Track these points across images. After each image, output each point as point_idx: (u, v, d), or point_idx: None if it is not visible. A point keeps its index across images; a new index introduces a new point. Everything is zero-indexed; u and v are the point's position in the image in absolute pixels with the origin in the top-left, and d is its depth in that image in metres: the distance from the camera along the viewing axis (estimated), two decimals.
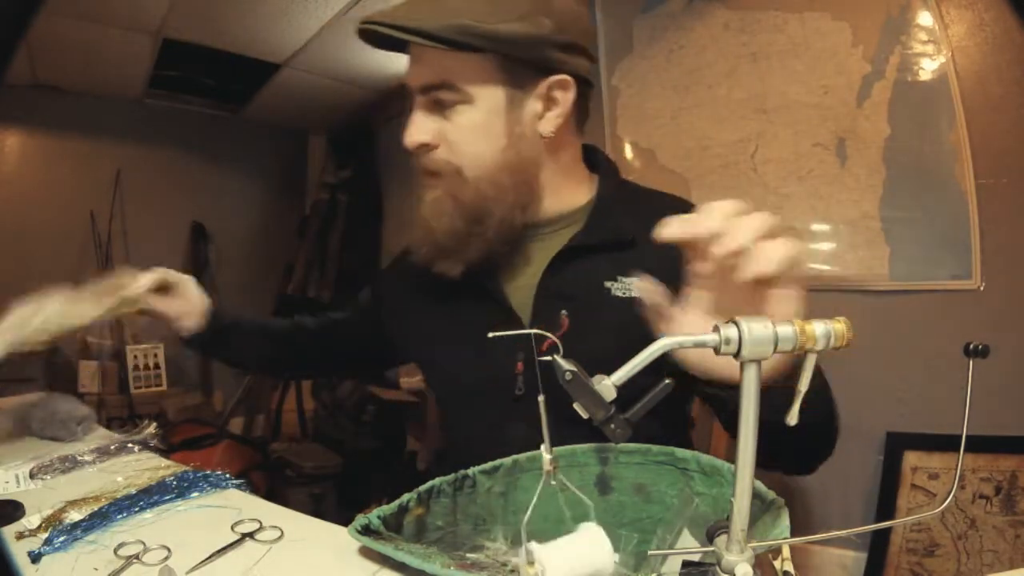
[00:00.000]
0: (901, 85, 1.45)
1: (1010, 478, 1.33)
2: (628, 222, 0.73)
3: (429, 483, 0.63)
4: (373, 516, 0.57)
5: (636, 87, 1.91)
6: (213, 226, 3.47)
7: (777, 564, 0.47)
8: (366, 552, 0.56)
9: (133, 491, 0.71)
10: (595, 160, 0.81)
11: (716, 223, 0.45)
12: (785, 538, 0.45)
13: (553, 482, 0.49)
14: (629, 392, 0.45)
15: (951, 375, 1.32)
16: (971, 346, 0.44)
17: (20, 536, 0.62)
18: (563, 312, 0.72)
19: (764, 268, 0.44)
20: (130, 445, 0.91)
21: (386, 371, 0.94)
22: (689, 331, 0.47)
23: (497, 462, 0.66)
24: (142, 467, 0.83)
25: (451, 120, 0.69)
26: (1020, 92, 1.32)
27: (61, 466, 0.83)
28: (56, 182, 3.04)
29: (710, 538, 0.44)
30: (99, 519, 0.64)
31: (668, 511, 0.59)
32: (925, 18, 1.42)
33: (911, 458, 1.43)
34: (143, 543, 0.59)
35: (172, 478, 0.75)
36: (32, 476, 0.80)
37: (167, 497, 0.71)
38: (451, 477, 0.64)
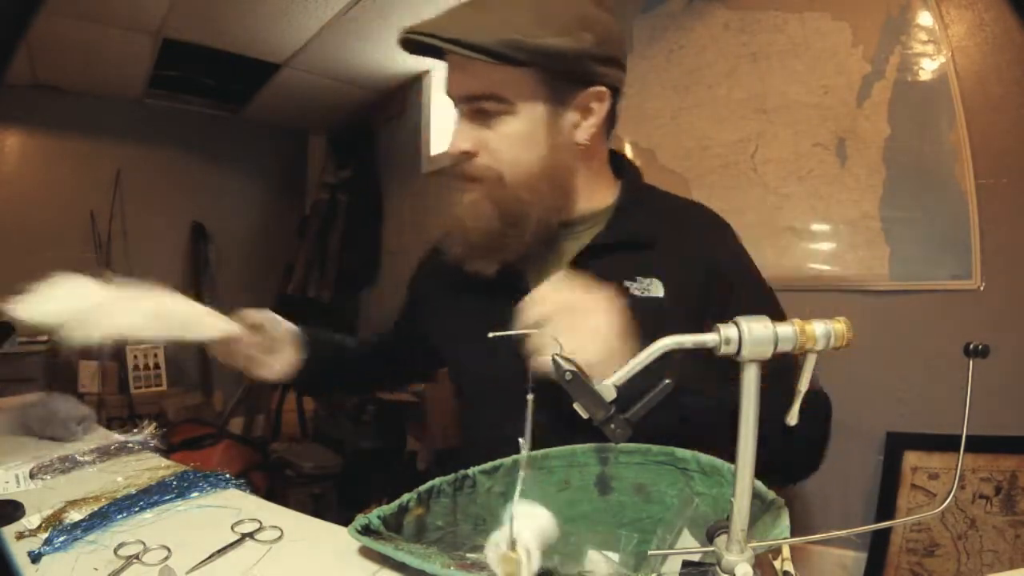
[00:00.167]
0: (901, 85, 1.45)
1: (1010, 478, 1.33)
2: (648, 224, 0.77)
3: (429, 483, 0.63)
4: (373, 516, 0.57)
5: (636, 87, 1.91)
6: (213, 226, 3.47)
7: (777, 564, 0.47)
8: (366, 552, 0.56)
9: (133, 491, 0.71)
10: (620, 165, 0.84)
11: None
12: (785, 538, 0.45)
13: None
14: (629, 392, 0.45)
15: (951, 375, 1.31)
16: (971, 346, 0.44)
17: (20, 536, 0.62)
18: None
19: None
20: (130, 445, 0.91)
21: (436, 372, 0.96)
22: None
23: (497, 462, 0.66)
24: (142, 467, 0.83)
25: (494, 129, 0.71)
26: (1020, 92, 1.32)
27: (61, 466, 0.83)
28: (56, 182, 3.04)
29: (710, 538, 0.44)
30: (99, 519, 0.64)
31: (668, 511, 0.59)
32: (925, 18, 1.42)
33: (911, 458, 1.43)
34: (143, 543, 0.59)
35: (172, 478, 0.75)
36: (32, 476, 0.80)
37: (167, 497, 0.71)
38: (451, 477, 0.64)
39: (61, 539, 0.59)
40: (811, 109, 1.58)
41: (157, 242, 3.33)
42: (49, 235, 2.99)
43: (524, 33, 0.65)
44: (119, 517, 0.65)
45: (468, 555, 0.54)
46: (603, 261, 0.76)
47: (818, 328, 0.41)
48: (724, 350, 0.40)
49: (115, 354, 3.02)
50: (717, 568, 0.42)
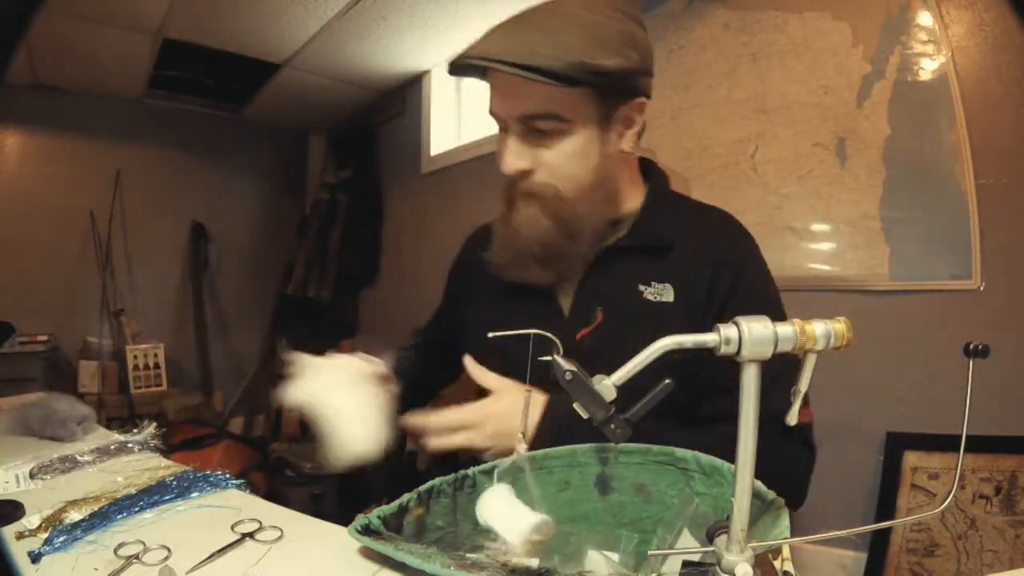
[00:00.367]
0: (901, 85, 1.45)
1: (1010, 478, 1.33)
2: (667, 229, 0.79)
3: (429, 483, 0.63)
4: (373, 516, 0.57)
5: None
6: (213, 226, 3.47)
7: (777, 564, 0.47)
8: (366, 552, 0.56)
9: (133, 491, 0.71)
10: (648, 170, 0.87)
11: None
12: (785, 538, 0.45)
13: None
14: (630, 392, 0.45)
15: (951, 375, 1.31)
16: (971, 346, 0.44)
17: (20, 536, 0.62)
18: (598, 308, 0.78)
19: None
20: (130, 445, 0.91)
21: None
22: None
23: (497, 462, 0.66)
24: (142, 467, 0.83)
25: (551, 147, 0.73)
26: (1020, 92, 1.32)
27: (61, 466, 0.83)
28: (56, 182, 3.04)
29: (710, 538, 0.44)
30: (99, 519, 0.64)
31: (668, 511, 0.59)
32: (925, 18, 1.42)
33: (911, 458, 1.43)
34: (143, 543, 0.59)
35: (172, 478, 0.75)
36: (32, 476, 0.80)
37: (167, 497, 0.71)
38: (451, 477, 0.64)
39: (61, 539, 0.59)
40: (811, 109, 1.58)
41: (157, 242, 3.33)
42: (49, 235, 2.99)
43: (585, 55, 0.67)
44: (119, 517, 0.65)
45: (468, 555, 0.54)
46: (621, 264, 0.79)
47: (818, 328, 0.41)
48: (724, 350, 0.41)
49: (115, 354, 3.02)
50: (717, 568, 0.42)
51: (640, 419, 0.47)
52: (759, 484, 0.51)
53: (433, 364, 1.06)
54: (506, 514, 0.51)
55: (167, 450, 0.95)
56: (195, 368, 3.40)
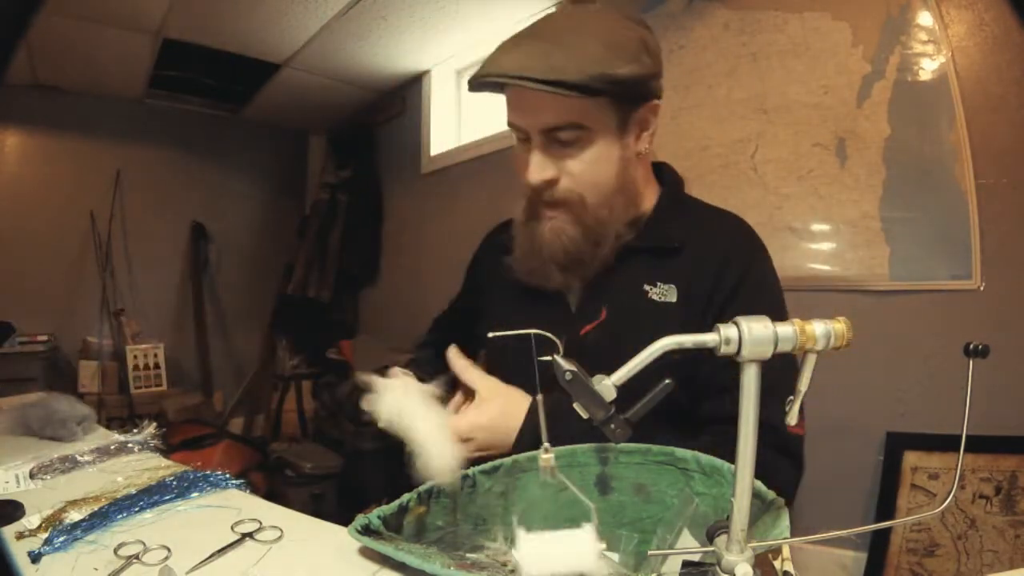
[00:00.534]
0: (901, 85, 1.45)
1: (1010, 478, 1.33)
2: (676, 232, 0.80)
3: (429, 483, 0.63)
4: (373, 516, 0.57)
5: None
6: (213, 226, 3.47)
7: (777, 564, 0.47)
8: (366, 552, 0.56)
9: (133, 491, 0.71)
10: (661, 173, 0.89)
11: None
12: (785, 538, 0.45)
13: (552, 480, 0.49)
14: (631, 392, 0.45)
15: (951, 375, 1.31)
16: (971, 346, 0.44)
17: (20, 536, 0.62)
18: (603, 306, 0.80)
19: None
20: (130, 445, 0.91)
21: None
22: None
23: (497, 462, 0.66)
24: (142, 467, 0.83)
25: (574, 156, 0.75)
26: (1020, 92, 1.32)
27: (61, 466, 0.83)
28: (56, 182, 3.04)
29: (710, 538, 0.44)
30: (99, 519, 0.64)
31: (668, 511, 0.59)
32: (925, 18, 1.42)
33: (911, 458, 1.43)
34: (143, 543, 0.59)
35: (172, 478, 0.75)
36: (32, 476, 0.80)
37: (167, 497, 0.71)
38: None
39: (61, 539, 0.59)
40: (811, 109, 1.58)
41: (157, 242, 3.33)
42: (49, 235, 2.99)
43: (605, 66, 0.69)
44: (119, 517, 0.65)
45: (468, 555, 0.54)
46: (630, 264, 0.80)
47: (818, 328, 0.41)
48: (724, 350, 0.40)
49: (115, 354, 3.02)
50: (717, 568, 0.42)
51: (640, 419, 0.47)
52: (759, 484, 0.51)
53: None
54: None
55: (167, 450, 0.95)
56: (195, 368, 3.40)
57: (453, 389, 0.82)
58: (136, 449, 0.91)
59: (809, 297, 1.55)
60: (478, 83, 0.74)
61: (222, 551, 0.58)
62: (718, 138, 1.75)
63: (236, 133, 3.54)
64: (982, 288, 1.36)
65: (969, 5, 1.37)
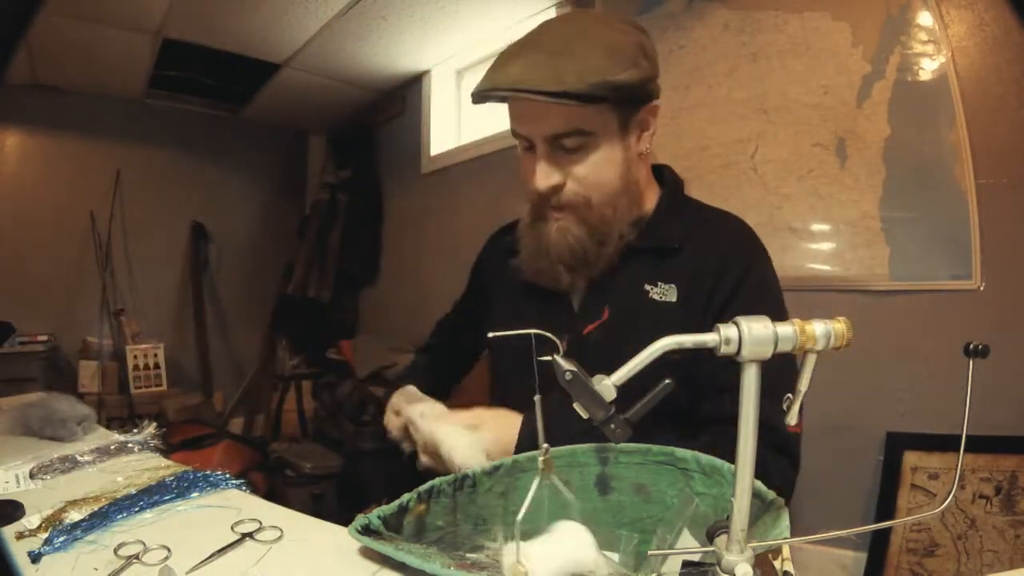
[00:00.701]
0: (901, 85, 1.45)
1: (1010, 478, 1.33)
2: (677, 232, 0.82)
3: (429, 483, 0.63)
4: (373, 516, 0.57)
5: None
6: (213, 226, 3.47)
7: (777, 564, 0.47)
8: (366, 552, 0.56)
9: (133, 491, 0.71)
10: (662, 175, 0.91)
11: None
12: (785, 538, 0.45)
13: (547, 481, 0.50)
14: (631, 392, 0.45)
15: (951, 375, 1.31)
16: (971, 346, 0.44)
17: (20, 536, 0.62)
18: (605, 306, 0.81)
19: None
20: (130, 445, 0.91)
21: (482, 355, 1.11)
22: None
23: (497, 462, 0.66)
24: (142, 467, 0.83)
25: (578, 160, 0.77)
26: (1020, 92, 1.32)
27: (61, 466, 0.83)
28: (56, 182, 3.04)
29: (710, 538, 0.44)
30: (99, 519, 0.64)
31: (668, 511, 0.59)
32: (925, 18, 1.42)
33: (911, 458, 1.43)
34: (143, 543, 0.59)
35: (172, 478, 0.75)
36: (32, 476, 0.80)
37: (167, 497, 0.71)
38: (451, 477, 0.64)
39: (61, 539, 0.59)
40: (811, 109, 1.58)
41: (157, 242, 3.33)
42: (49, 235, 2.99)
43: (607, 73, 0.71)
44: (119, 517, 0.65)
45: (468, 555, 0.54)
46: (631, 264, 0.82)
47: (818, 328, 0.41)
48: (724, 350, 0.40)
49: (115, 354, 3.02)
50: (717, 568, 0.42)
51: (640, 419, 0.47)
52: (759, 484, 0.51)
53: (450, 357, 1.10)
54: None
55: (167, 450, 0.95)
56: (195, 368, 3.40)
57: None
58: (136, 449, 0.91)
59: (809, 297, 1.55)
60: (483, 96, 0.75)
61: (222, 551, 0.58)
62: (718, 138, 1.75)
63: (236, 133, 3.54)
64: (982, 288, 1.36)
65: (969, 5, 1.37)
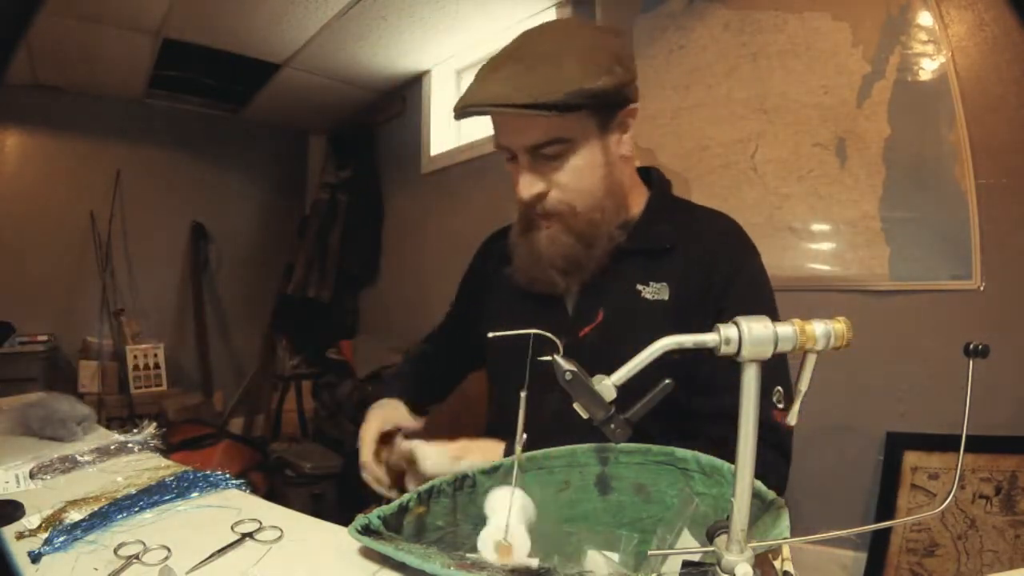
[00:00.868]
0: (901, 85, 1.45)
1: (1010, 478, 1.33)
2: (667, 232, 0.83)
3: (429, 483, 0.63)
4: (373, 516, 0.57)
5: None
6: (213, 226, 3.47)
7: (777, 564, 0.47)
8: (366, 552, 0.56)
9: (133, 491, 0.71)
10: (649, 177, 0.92)
11: None
12: (785, 538, 0.45)
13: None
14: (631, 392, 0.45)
15: (951, 375, 1.31)
16: (971, 346, 0.44)
17: (20, 536, 0.62)
18: (599, 308, 0.82)
19: None
20: (130, 445, 0.91)
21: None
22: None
23: (497, 462, 0.66)
24: (142, 467, 0.83)
25: (560, 168, 0.78)
26: (1020, 92, 1.32)
27: (61, 466, 0.83)
28: (56, 182, 3.04)
29: (710, 538, 0.44)
30: (99, 519, 0.64)
31: (668, 511, 0.59)
32: (925, 18, 1.42)
33: (911, 458, 1.43)
34: (143, 543, 0.59)
35: (172, 478, 0.75)
36: (32, 476, 0.80)
37: (167, 497, 0.71)
38: (451, 477, 0.64)
39: (61, 539, 0.59)
40: (811, 109, 1.58)
41: (157, 242, 3.33)
42: (49, 235, 2.99)
43: (581, 82, 0.72)
44: (119, 517, 0.65)
45: (468, 555, 0.54)
46: (622, 265, 0.82)
47: (818, 328, 0.41)
48: (724, 350, 0.40)
49: (115, 354, 3.02)
50: (717, 568, 0.42)
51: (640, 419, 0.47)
52: (759, 484, 0.51)
53: (444, 365, 1.11)
54: (496, 513, 0.53)
55: (167, 450, 0.95)
56: (195, 368, 3.40)
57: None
58: (136, 449, 0.91)
59: (809, 297, 1.55)
60: (464, 113, 0.76)
61: (222, 551, 0.58)
62: (718, 138, 1.75)
63: (236, 133, 3.54)
64: (982, 288, 1.36)
65: (969, 5, 1.37)
